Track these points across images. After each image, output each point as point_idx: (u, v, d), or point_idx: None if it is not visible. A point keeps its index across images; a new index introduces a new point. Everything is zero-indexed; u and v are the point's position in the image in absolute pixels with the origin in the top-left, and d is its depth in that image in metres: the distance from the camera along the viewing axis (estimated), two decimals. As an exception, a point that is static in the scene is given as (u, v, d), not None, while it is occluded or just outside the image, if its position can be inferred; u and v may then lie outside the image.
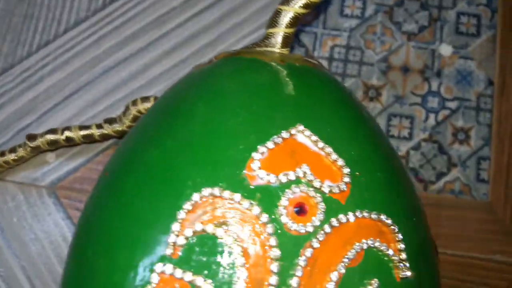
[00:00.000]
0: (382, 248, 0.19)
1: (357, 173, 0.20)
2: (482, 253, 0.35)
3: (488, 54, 0.38)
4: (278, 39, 0.25)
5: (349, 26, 0.38)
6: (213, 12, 0.39)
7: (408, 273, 0.20)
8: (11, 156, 0.36)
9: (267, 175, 0.19)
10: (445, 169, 0.36)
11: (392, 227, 0.20)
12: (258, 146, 0.19)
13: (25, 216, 0.36)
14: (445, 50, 0.38)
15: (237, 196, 0.19)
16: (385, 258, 0.20)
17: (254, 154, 0.19)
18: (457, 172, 0.36)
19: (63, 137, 0.35)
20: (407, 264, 0.20)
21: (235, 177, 0.19)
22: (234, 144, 0.20)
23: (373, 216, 0.20)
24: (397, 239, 0.20)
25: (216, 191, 0.19)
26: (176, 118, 0.21)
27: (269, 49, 0.25)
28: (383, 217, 0.20)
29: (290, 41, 0.26)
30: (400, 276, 0.20)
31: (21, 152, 0.36)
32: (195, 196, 0.19)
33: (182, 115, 0.21)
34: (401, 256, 0.20)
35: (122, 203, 0.20)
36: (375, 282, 0.19)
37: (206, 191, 0.19)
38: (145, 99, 0.33)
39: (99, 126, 0.35)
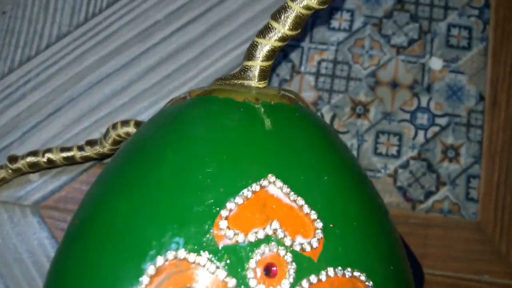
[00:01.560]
0: (355, 306, 0.19)
1: (331, 225, 0.20)
2: (470, 273, 0.35)
3: (479, 68, 0.37)
4: (255, 72, 0.24)
5: (336, 40, 0.37)
6: (198, 26, 0.38)
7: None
8: (-7, 178, 0.35)
9: (236, 234, 0.19)
10: (434, 188, 0.36)
11: (367, 283, 0.19)
12: (227, 203, 0.19)
13: (10, 236, 0.36)
14: (436, 64, 0.37)
15: (203, 260, 0.18)
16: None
17: (222, 212, 0.19)
18: (446, 191, 0.36)
19: (44, 159, 0.35)
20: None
21: (202, 237, 0.18)
22: (202, 199, 0.19)
23: (347, 273, 0.19)
24: (372, 296, 0.20)
25: (181, 253, 0.18)
26: (144, 166, 0.20)
27: (246, 82, 0.24)
28: (356, 273, 0.19)
29: (267, 74, 0.25)
30: None
31: (2, 173, 0.35)
32: (160, 260, 0.18)
33: (150, 164, 0.20)
34: (375, 314, 0.19)
35: (86, 259, 0.19)
36: None
37: (171, 254, 0.18)
38: (125, 123, 0.32)
39: (80, 148, 0.34)
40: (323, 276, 0.19)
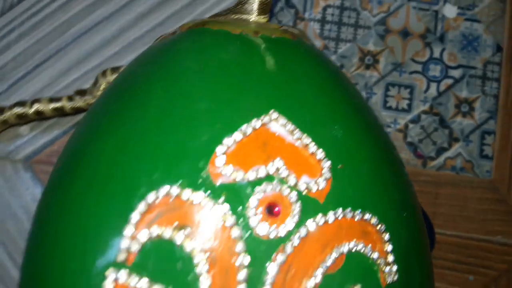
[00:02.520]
0: (365, 251, 0.17)
1: (340, 166, 0.18)
2: (483, 234, 0.33)
3: (497, 16, 0.35)
4: (254, 5, 0.22)
5: (344, -15, 0.35)
6: (193, -30, 0.36)
7: (395, 278, 0.18)
8: (-21, 131, 0.34)
9: (234, 171, 0.17)
10: (446, 144, 0.34)
11: (378, 226, 0.18)
12: (224, 138, 0.17)
13: (2, 192, 0.35)
14: (450, 11, 0.34)
15: (199, 196, 0.16)
16: (369, 262, 0.17)
17: (219, 148, 0.17)
18: (459, 148, 0.34)
19: (32, 110, 0.33)
20: (394, 268, 0.18)
21: (197, 174, 0.16)
22: (196, 135, 0.17)
23: (356, 215, 0.17)
24: (383, 239, 0.18)
25: (175, 190, 0.16)
26: (130, 102, 0.18)
27: (244, 16, 0.22)
28: (367, 215, 0.17)
29: (267, 8, 0.22)
30: (387, 281, 0.17)
31: (-12, 126, 0.34)
32: (151, 196, 0.16)
33: (137, 100, 0.18)
34: (387, 259, 0.18)
35: (72, 201, 0.18)
36: (357, 288, 0.17)
37: (163, 190, 0.16)
38: (115, 69, 0.30)
39: (70, 99, 0.32)
40: (330, 217, 0.17)
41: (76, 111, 0.33)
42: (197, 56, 0.19)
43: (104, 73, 0.30)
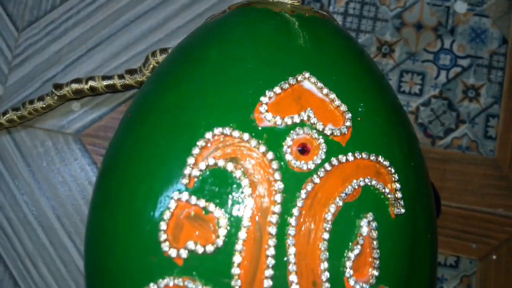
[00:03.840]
0: (378, 186, 0.21)
1: (359, 119, 0.22)
2: (485, 206, 0.36)
3: (504, 12, 0.38)
4: (290, -9, 0.26)
5: (365, -18, 0.39)
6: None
7: (402, 210, 0.21)
8: (40, 104, 0.38)
9: (274, 117, 0.21)
10: (454, 126, 0.37)
11: (389, 168, 0.21)
12: (266, 91, 0.21)
13: (54, 161, 0.39)
14: (460, 7, 0.38)
15: (246, 135, 0.20)
16: (381, 196, 0.21)
17: (262, 98, 0.21)
18: (465, 129, 0.37)
19: (87, 86, 0.37)
20: (402, 203, 0.21)
21: (244, 119, 0.21)
22: (244, 89, 0.21)
23: (372, 157, 0.21)
24: (393, 179, 0.22)
25: (227, 130, 0.20)
26: (190, 64, 0.22)
27: (280, 0, 0.26)
28: (381, 159, 0.21)
29: (300, -7, 0.26)
30: (395, 213, 0.21)
31: (48, 100, 0.38)
32: (208, 134, 0.20)
33: (195, 62, 0.22)
34: (396, 195, 0.21)
35: (142, 140, 0.22)
36: (370, 215, 0.20)
37: (218, 130, 0.20)
38: (163, 50, 0.34)
39: (121, 77, 0.37)
40: (350, 157, 0.21)
41: (125, 87, 0.37)
42: (246, 27, 0.23)
43: (153, 53, 0.34)
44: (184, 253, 0.19)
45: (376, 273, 0.20)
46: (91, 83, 0.37)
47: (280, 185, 0.20)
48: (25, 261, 0.38)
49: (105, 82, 0.37)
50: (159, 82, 0.23)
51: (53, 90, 0.38)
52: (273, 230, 0.19)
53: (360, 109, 0.21)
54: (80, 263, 0.38)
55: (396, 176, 0.22)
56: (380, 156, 0.21)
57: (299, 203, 0.20)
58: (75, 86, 0.37)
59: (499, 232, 0.36)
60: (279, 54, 0.22)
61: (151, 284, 0.19)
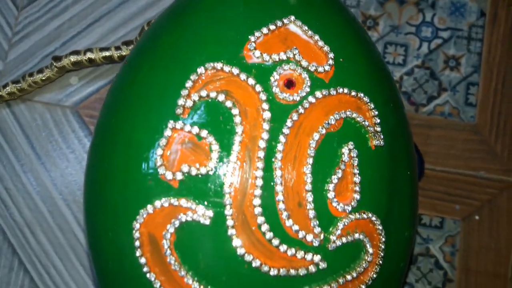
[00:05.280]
0: (359, 119, 0.23)
1: (341, 59, 0.23)
2: (468, 169, 0.38)
3: (482, -13, 0.40)
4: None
5: (350, -40, 0.41)
6: None
7: (382, 143, 0.23)
8: (39, 76, 0.40)
9: (262, 54, 0.22)
10: (436, 93, 0.39)
11: (369, 104, 0.23)
12: (255, 31, 0.23)
13: (52, 133, 0.40)
14: (441, -18, 0.40)
15: (236, 70, 0.22)
16: (362, 129, 0.23)
17: (250, 37, 0.23)
18: (447, 96, 0.39)
19: (85, 57, 0.39)
20: (382, 136, 0.23)
21: (234, 56, 0.22)
22: (234, 29, 0.23)
23: (353, 93, 0.23)
24: (373, 114, 0.23)
25: (218, 65, 0.22)
26: (182, 11, 0.24)
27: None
28: (361, 95, 0.23)
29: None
30: (375, 144, 0.23)
31: (48, 72, 0.40)
32: (200, 69, 0.22)
33: (188, 9, 0.24)
34: (376, 128, 0.23)
35: (140, 79, 0.23)
36: (351, 144, 0.22)
37: (209, 65, 0.22)
38: (159, 20, 0.36)
39: (117, 48, 0.38)
40: (332, 91, 0.22)
41: (123, 59, 0.39)
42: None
43: (148, 24, 0.36)
44: (179, 175, 0.21)
45: (357, 196, 0.22)
46: (89, 54, 0.39)
47: (267, 114, 0.21)
48: (23, 230, 0.39)
49: (102, 54, 0.39)
50: (154, 28, 0.25)
51: (53, 62, 0.39)
52: (261, 154, 0.21)
53: (342, 57, 0.23)
54: (78, 231, 0.39)
55: (375, 111, 0.23)
56: (361, 93, 0.23)
57: (286, 131, 0.21)
58: (73, 57, 0.39)
59: (481, 194, 0.38)
60: (268, 1, 0.24)
61: (148, 206, 0.21)
